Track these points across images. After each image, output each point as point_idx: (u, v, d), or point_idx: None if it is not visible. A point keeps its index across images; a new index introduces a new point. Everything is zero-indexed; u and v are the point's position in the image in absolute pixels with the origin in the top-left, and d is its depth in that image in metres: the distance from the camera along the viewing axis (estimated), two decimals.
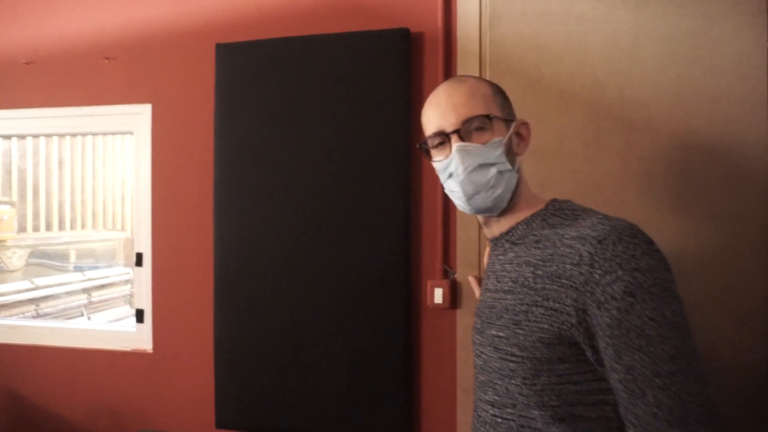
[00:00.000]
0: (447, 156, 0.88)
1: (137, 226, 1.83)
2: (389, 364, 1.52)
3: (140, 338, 1.82)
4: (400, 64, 1.52)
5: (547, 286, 0.77)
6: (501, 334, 0.83)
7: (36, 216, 2.60)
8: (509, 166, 0.87)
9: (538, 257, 0.81)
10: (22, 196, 2.43)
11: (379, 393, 1.52)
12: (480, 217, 0.97)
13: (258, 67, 1.63)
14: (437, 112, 0.90)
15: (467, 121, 0.86)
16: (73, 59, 1.89)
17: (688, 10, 1.34)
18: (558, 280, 0.75)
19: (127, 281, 2.95)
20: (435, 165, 0.93)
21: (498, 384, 0.85)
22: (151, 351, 1.80)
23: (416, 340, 1.57)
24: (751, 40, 1.31)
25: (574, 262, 0.73)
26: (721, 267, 1.32)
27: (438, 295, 1.52)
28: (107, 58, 1.86)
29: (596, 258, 0.71)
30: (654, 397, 0.65)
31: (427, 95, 1.55)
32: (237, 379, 1.63)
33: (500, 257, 0.92)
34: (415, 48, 1.56)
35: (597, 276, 0.70)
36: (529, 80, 1.45)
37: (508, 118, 0.91)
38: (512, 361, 0.81)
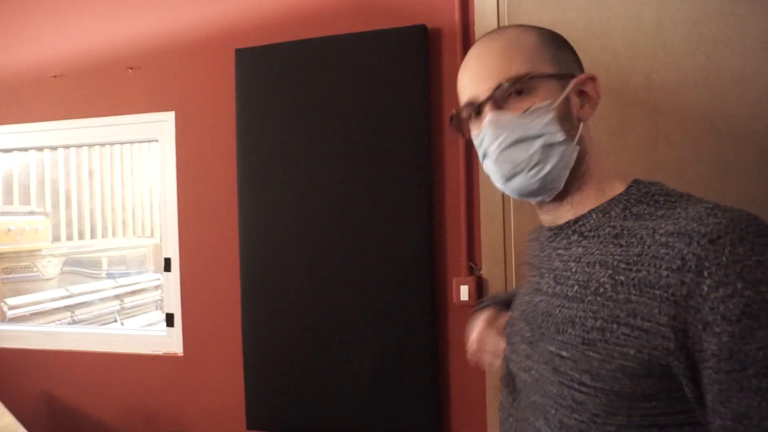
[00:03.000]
0: (480, 131, 0.71)
1: (164, 231, 1.86)
2: (417, 362, 1.51)
3: (171, 342, 1.85)
4: (418, 61, 1.51)
5: (634, 297, 0.58)
6: (564, 353, 0.64)
7: (69, 225, 2.68)
8: (562, 136, 0.68)
9: (619, 257, 0.62)
10: (55, 206, 2.50)
11: (407, 392, 1.51)
12: (533, 203, 0.77)
13: (277, 70, 1.64)
14: (469, 78, 0.72)
15: (501, 86, 0.68)
16: (99, 71, 1.94)
17: None
18: (649, 290, 0.56)
19: (157, 287, 3.01)
20: (473, 140, 0.76)
21: (551, 414, 0.67)
22: (182, 354, 1.83)
23: (443, 338, 1.56)
24: None
25: (674, 266, 0.55)
26: None
27: (464, 292, 1.50)
28: (131, 68, 1.90)
29: (706, 263, 0.52)
30: None
31: (446, 91, 1.55)
32: (266, 380, 1.64)
33: (561, 252, 0.73)
34: (432, 44, 1.55)
35: (706, 288, 0.52)
36: None
37: (565, 73, 0.70)
38: (579, 392, 0.62)
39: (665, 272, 0.55)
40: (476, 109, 0.72)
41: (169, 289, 1.86)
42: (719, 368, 0.51)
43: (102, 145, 2.07)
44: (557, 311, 0.68)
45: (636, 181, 0.70)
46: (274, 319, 1.62)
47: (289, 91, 1.62)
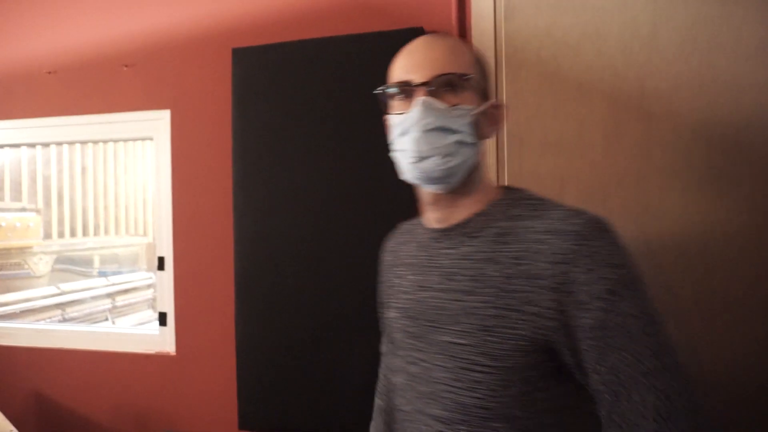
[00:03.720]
0: (407, 110, 0.77)
1: (158, 230, 1.85)
2: None
3: (163, 341, 1.85)
4: None
5: (523, 288, 0.69)
6: (462, 341, 0.73)
7: (61, 222, 2.66)
8: (473, 140, 0.77)
9: (505, 254, 0.73)
10: (47, 203, 2.49)
11: None
12: (426, 197, 0.85)
13: (274, 70, 1.64)
14: (409, 61, 0.79)
15: (441, 76, 0.75)
16: (94, 68, 1.93)
17: None
18: (536, 281, 0.68)
19: (149, 285, 3.00)
20: (390, 119, 0.82)
21: (447, 398, 0.75)
22: (174, 353, 1.83)
23: None
24: None
25: (551, 260, 0.67)
26: (751, 261, 1.29)
27: None
28: (126, 66, 1.89)
29: (577, 255, 0.66)
30: (640, 396, 0.61)
31: None
32: (259, 380, 1.64)
33: (450, 251, 0.80)
34: None
35: (577, 274, 0.65)
36: (545, 73, 1.43)
37: (486, 92, 0.82)
38: (479, 372, 0.72)
39: (544, 264, 0.68)
40: (406, 90, 0.78)
41: (163, 288, 1.85)
42: (595, 336, 0.64)
43: (96, 142, 2.06)
44: (451, 305, 0.76)
45: (506, 188, 0.84)
46: (267, 319, 1.62)
47: (286, 91, 1.62)
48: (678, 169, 1.33)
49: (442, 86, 0.76)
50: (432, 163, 0.76)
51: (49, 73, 1.97)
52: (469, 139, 0.77)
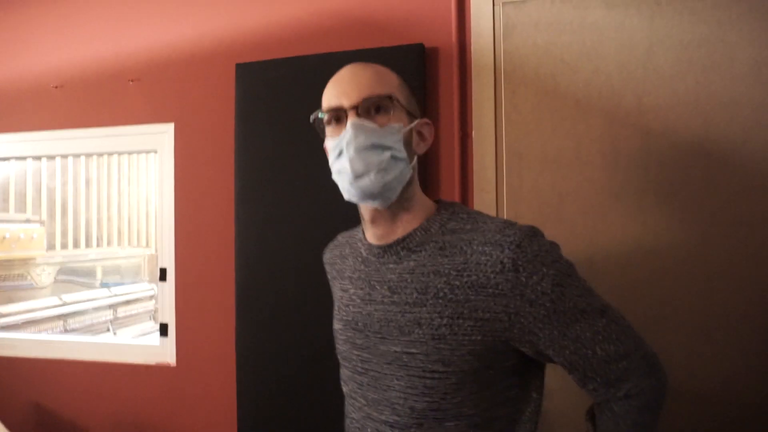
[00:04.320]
0: (341, 134, 0.81)
1: (161, 241, 1.87)
2: None
3: (164, 352, 1.85)
4: (416, 79, 1.54)
5: (471, 297, 0.75)
6: (413, 350, 0.78)
7: (64, 234, 2.68)
8: (404, 155, 0.81)
9: (448, 266, 0.78)
10: (51, 214, 2.51)
11: None
12: (366, 214, 0.88)
13: (277, 85, 1.67)
14: (338, 88, 0.83)
15: (368, 99, 0.80)
16: (100, 82, 1.96)
17: (703, 17, 1.34)
18: (483, 290, 0.74)
19: (151, 297, 3.01)
20: (326, 145, 0.87)
21: (399, 404, 0.80)
22: (175, 365, 1.83)
23: None
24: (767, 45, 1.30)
25: (497, 269, 0.73)
26: (749, 276, 1.30)
27: None
28: (132, 80, 1.92)
29: (519, 262, 0.72)
30: (601, 349, 0.73)
31: (442, 109, 1.58)
32: (259, 392, 1.64)
33: (392, 266, 0.84)
34: (429, 63, 1.58)
35: (524, 279, 0.72)
36: (544, 90, 1.45)
37: (412, 112, 0.86)
38: (431, 378, 0.76)
39: (491, 275, 0.73)
40: (338, 115, 0.83)
41: (164, 299, 1.86)
42: (551, 321, 0.73)
43: (101, 155, 2.09)
44: (399, 317, 0.80)
45: (439, 202, 0.89)
46: (267, 331, 1.63)
47: (288, 106, 1.65)
48: (675, 184, 1.35)
49: (371, 108, 0.81)
50: (369, 180, 0.79)
51: (56, 87, 2.00)
52: (401, 154, 0.81)
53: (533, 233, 0.75)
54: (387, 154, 0.79)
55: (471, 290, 0.75)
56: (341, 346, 0.94)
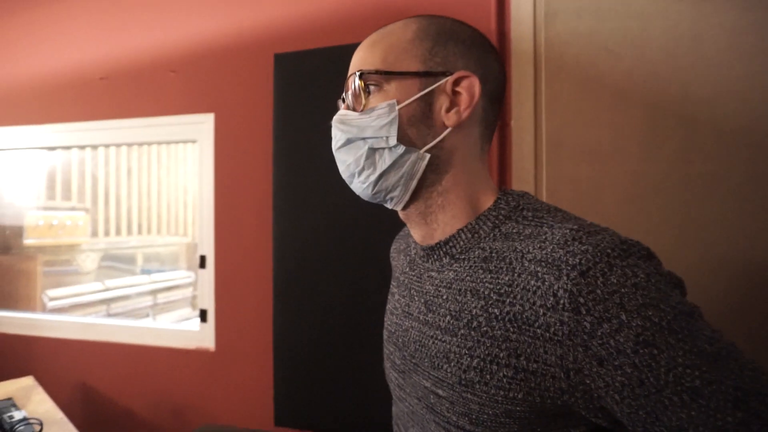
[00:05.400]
0: None
1: (200, 229, 1.92)
2: None
3: (203, 337, 1.91)
4: None
5: (513, 335, 0.52)
6: (441, 392, 0.58)
7: (107, 221, 2.77)
8: (394, 141, 0.60)
9: (490, 286, 0.56)
10: (95, 202, 2.59)
11: None
12: (400, 215, 0.70)
13: (314, 75, 1.68)
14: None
15: (348, 83, 0.64)
16: (142, 73, 2.01)
17: (752, 2, 1.29)
18: (528, 328, 0.51)
19: (189, 284, 3.09)
20: None
21: None
22: (214, 349, 1.88)
23: None
24: None
25: (548, 304, 0.50)
26: None
27: None
28: (173, 71, 1.96)
29: (580, 299, 0.48)
30: None
31: None
32: (296, 378, 1.67)
33: (434, 274, 0.65)
34: None
35: (588, 325, 0.47)
36: (584, 78, 1.43)
37: (435, 71, 0.61)
38: None
39: (541, 309, 0.50)
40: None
41: (204, 286, 1.91)
42: (635, 395, 0.46)
43: (143, 144, 2.15)
44: (431, 342, 0.61)
45: (504, 193, 0.64)
46: (304, 318, 1.66)
47: (327, 95, 1.66)
48: (719, 176, 1.31)
49: (356, 92, 0.63)
50: (357, 184, 0.66)
51: (102, 79, 2.07)
52: (389, 142, 0.60)
53: (618, 253, 0.49)
54: (366, 146, 0.62)
55: (512, 325, 0.52)
56: (385, 361, 0.77)
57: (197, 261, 1.92)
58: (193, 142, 1.98)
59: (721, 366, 0.45)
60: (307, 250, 1.67)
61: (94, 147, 2.34)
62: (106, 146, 2.34)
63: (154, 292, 3.01)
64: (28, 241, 2.51)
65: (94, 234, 2.71)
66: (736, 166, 1.30)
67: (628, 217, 1.38)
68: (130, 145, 2.22)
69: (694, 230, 1.32)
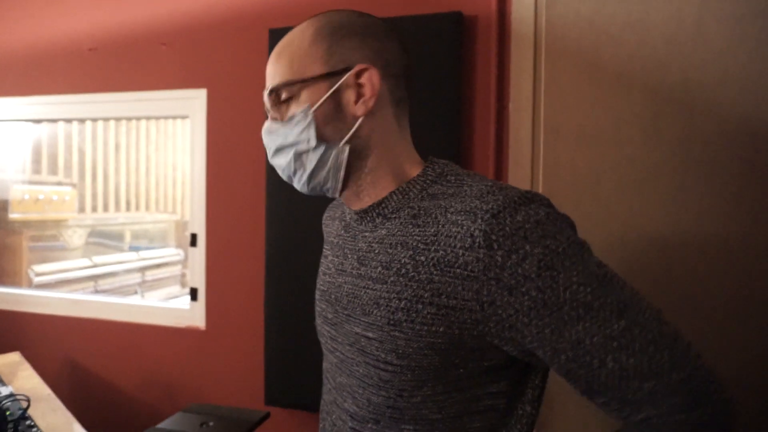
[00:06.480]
0: None
1: (192, 207, 1.89)
2: None
3: (193, 316, 1.89)
4: (452, 49, 1.51)
5: (436, 277, 0.60)
6: (371, 334, 0.66)
7: (94, 197, 2.72)
8: (314, 143, 0.66)
9: (418, 238, 0.63)
10: (82, 177, 2.54)
11: None
12: (340, 197, 0.77)
13: None
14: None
15: (270, 95, 0.69)
16: (132, 45, 1.96)
17: None
18: (449, 269, 0.59)
19: (177, 262, 3.06)
20: None
21: (358, 393, 0.69)
22: (204, 328, 1.87)
23: None
24: None
25: (466, 245, 0.57)
26: None
27: None
28: (164, 44, 1.91)
29: (493, 236, 0.56)
30: (614, 360, 0.54)
31: (479, 81, 1.55)
32: (286, 358, 1.67)
33: (367, 234, 0.72)
34: (467, 32, 1.54)
35: (499, 258, 0.56)
36: (585, 62, 1.41)
37: (336, 69, 0.66)
38: (386, 371, 0.64)
39: (460, 251, 0.58)
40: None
41: (194, 264, 1.89)
42: (540, 316, 0.55)
43: (132, 119, 2.10)
44: (363, 293, 0.68)
45: (431, 162, 0.72)
46: (296, 298, 1.65)
47: None
48: (719, 163, 1.31)
49: (274, 104, 0.70)
50: (295, 183, 0.72)
51: (90, 50, 2.01)
52: (310, 144, 0.67)
53: (522, 200, 0.58)
54: (292, 151, 0.68)
55: (435, 269, 0.60)
56: (316, 319, 0.84)
57: (186, 239, 1.90)
58: (185, 117, 1.94)
59: (607, 284, 0.56)
60: (299, 228, 1.65)
61: (82, 121, 2.29)
62: (94, 120, 2.28)
63: (142, 270, 2.99)
64: (14, 215, 2.46)
65: (82, 210, 2.66)
66: (734, 154, 1.30)
67: (626, 204, 1.38)
68: (118, 119, 2.18)
69: (692, 217, 1.33)
